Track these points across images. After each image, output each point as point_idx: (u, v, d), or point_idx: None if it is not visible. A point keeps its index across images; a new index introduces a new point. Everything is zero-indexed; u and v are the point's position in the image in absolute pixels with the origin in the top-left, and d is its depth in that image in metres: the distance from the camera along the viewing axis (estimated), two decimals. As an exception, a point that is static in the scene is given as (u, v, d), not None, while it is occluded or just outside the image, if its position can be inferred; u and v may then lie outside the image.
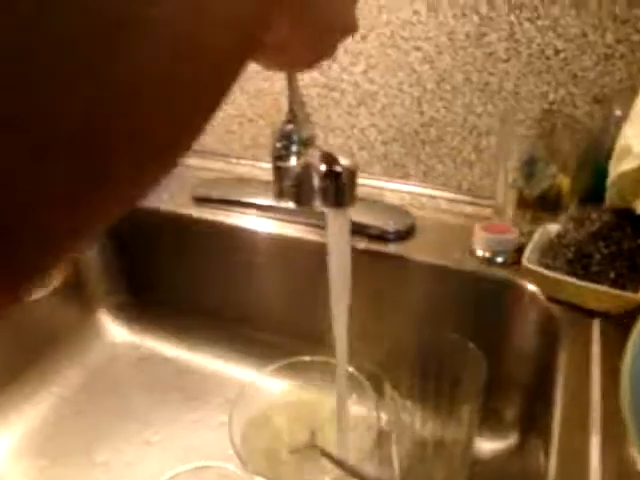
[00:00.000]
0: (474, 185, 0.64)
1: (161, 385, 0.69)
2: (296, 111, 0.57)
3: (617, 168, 0.43)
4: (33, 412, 0.65)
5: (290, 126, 0.58)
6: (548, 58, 0.54)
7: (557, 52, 0.54)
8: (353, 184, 0.39)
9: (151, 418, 0.65)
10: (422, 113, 0.62)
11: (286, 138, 0.59)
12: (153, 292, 0.74)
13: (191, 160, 0.76)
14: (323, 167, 0.38)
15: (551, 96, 0.56)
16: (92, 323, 0.74)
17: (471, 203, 0.63)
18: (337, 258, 0.41)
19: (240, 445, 0.50)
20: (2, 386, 0.65)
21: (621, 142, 0.43)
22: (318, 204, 0.42)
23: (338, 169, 0.38)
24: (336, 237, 0.41)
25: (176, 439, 0.61)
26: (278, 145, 0.59)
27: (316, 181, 0.40)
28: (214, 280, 0.69)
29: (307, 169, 0.54)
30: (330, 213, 0.40)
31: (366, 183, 0.67)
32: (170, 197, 0.68)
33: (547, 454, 0.43)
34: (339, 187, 0.39)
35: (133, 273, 0.74)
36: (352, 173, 0.38)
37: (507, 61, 0.56)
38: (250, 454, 0.50)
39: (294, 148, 0.59)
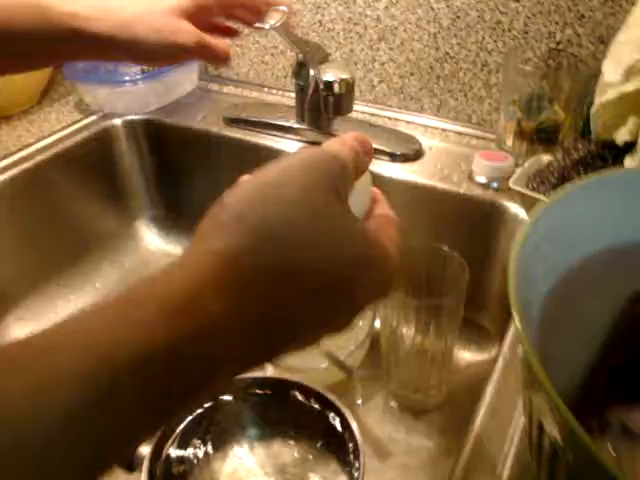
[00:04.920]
0: (483, 119, 0.68)
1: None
2: (305, 55, 0.62)
3: (598, 100, 0.47)
4: (75, 303, 0.75)
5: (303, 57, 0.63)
6: (557, -2, 0.58)
7: (566, -8, 0.57)
8: (350, 93, 0.44)
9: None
10: (437, 49, 0.66)
11: (302, 69, 0.64)
12: (186, 207, 0.81)
13: (226, 88, 0.82)
14: (324, 78, 0.44)
15: (558, 36, 0.60)
16: (131, 232, 0.83)
17: (479, 137, 0.68)
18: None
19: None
20: (51, 279, 0.75)
21: (601, 77, 0.47)
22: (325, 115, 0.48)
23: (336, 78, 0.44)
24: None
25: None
26: (297, 80, 0.64)
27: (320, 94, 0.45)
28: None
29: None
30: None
31: (383, 114, 0.73)
32: (203, 118, 0.75)
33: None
34: (337, 96, 0.44)
35: (170, 189, 0.82)
36: (348, 84, 0.44)
37: (518, 1, 0.60)
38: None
39: (311, 77, 0.64)
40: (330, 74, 0.46)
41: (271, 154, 0.70)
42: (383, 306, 0.58)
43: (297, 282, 0.23)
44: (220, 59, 0.48)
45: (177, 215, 0.83)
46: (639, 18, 0.44)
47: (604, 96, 0.46)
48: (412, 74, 0.69)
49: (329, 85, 0.44)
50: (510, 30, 0.62)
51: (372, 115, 0.73)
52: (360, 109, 0.73)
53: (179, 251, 0.75)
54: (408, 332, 0.60)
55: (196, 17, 0.48)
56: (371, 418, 0.60)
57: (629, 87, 0.44)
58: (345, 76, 0.43)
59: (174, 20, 0.46)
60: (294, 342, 0.25)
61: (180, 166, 0.79)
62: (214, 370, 0.22)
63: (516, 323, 0.25)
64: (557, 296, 0.30)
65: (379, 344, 0.60)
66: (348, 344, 0.58)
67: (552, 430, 0.24)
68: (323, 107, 0.47)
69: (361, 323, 0.61)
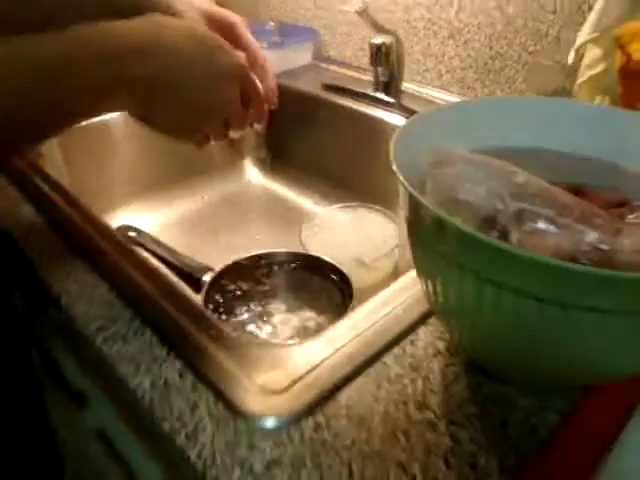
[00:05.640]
0: (519, 108, 0.84)
1: (272, 213, 0.99)
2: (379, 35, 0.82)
3: (576, 83, 0.63)
4: (187, 206, 0.99)
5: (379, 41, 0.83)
6: (584, 12, 0.73)
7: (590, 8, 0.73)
8: (396, 54, 0.64)
9: (259, 227, 0.96)
10: (491, 48, 0.84)
11: (379, 50, 0.84)
12: (285, 152, 1.04)
13: (332, 66, 1.05)
14: (374, 41, 0.64)
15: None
16: (239, 166, 1.08)
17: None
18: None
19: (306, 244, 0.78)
20: (170, 187, 1.00)
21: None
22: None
23: (380, 41, 0.63)
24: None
25: (274, 242, 0.90)
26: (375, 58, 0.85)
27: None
28: (329, 148, 0.97)
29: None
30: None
31: (445, 98, 0.91)
32: (307, 83, 0.97)
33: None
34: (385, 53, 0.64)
35: (274, 136, 1.05)
36: (387, 47, 0.64)
37: (554, 13, 0.76)
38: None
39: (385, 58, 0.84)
40: (379, 39, 0.66)
41: (353, 113, 0.91)
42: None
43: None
44: None
45: (276, 158, 1.06)
46: (598, 10, 0.59)
47: (580, 79, 0.62)
48: (471, 67, 0.87)
49: (378, 46, 0.64)
50: (547, 36, 0.78)
51: (438, 98, 0.92)
52: (428, 92, 0.92)
53: (274, 186, 0.99)
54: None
55: None
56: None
57: (596, 70, 0.59)
58: (386, 41, 0.64)
59: None
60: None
61: (285, 119, 1.02)
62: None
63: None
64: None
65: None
66: (376, 253, 0.77)
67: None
68: (377, 63, 0.68)
69: (390, 245, 0.79)
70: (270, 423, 0.39)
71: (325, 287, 0.69)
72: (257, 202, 1.03)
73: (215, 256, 0.86)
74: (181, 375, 0.43)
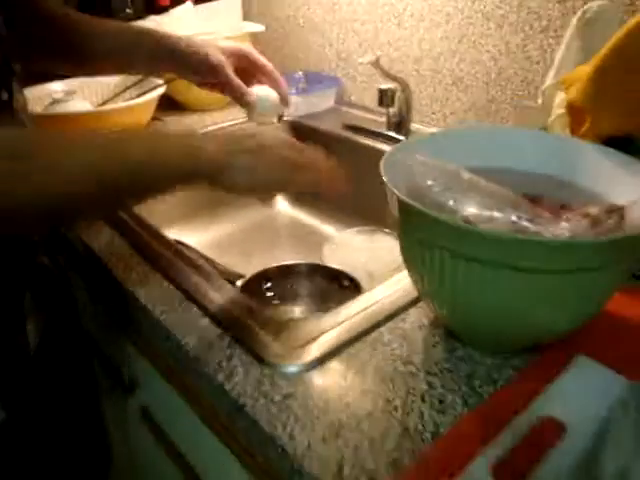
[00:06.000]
0: (512, 144, 0.96)
1: (297, 238, 1.12)
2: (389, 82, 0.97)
3: (548, 120, 0.75)
4: (223, 231, 1.13)
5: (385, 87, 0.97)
6: (562, 64, 0.86)
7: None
8: (399, 97, 0.77)
9: (285, 250, 1.09)
10: (488, 93, 0.97)
11: (385, 94, 0.98)
12: (308, 185, 1.18)
13: (352, 109, 1.19)
14: (380, 87, 0.77)
15: (563, 89, 0.88)
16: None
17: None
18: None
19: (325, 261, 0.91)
20: (213, 212, 1.14)
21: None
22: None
23: (386, 87, 0.77)
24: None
25: (300, 259, 1.03)
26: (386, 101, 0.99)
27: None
28: (348, 181, 1.11)
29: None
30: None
31: (449, 136, 1.04)
32: (330, 124, 1.12)
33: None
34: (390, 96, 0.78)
35: (300, 171, 1.19)
36: (392, 92, 0.77)
37: (538, 63, 0.89)
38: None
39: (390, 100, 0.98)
40: (384, 86, 0.81)
41: (369, 149, 1.04)
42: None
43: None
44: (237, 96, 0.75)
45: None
46: (558, 60, 0.72)
47: (552, 116, 0.74)
48: (470, 109, 1.01)
49: (384, 91, 0.78)
50: (533, 82, 0.91)
51: (442, 136, 1.05)
52: (434, 131, 1.05)
53: (300, 216, 1.13)
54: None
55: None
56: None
57: (563, 108, 0.72)
58: (391, 86, 0.78)
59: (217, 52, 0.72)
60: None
61: (309, 156, 1.16)
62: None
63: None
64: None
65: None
66: (386, 269, 0.88)
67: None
68: (384, 105, 0.82)
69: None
70: (287, 369, 0.51)
71: (338, 292, 0.81)
72: (285, 229, 1.16)
73: (247, 271, 1.00)
74: (220, 337, 0.56)
